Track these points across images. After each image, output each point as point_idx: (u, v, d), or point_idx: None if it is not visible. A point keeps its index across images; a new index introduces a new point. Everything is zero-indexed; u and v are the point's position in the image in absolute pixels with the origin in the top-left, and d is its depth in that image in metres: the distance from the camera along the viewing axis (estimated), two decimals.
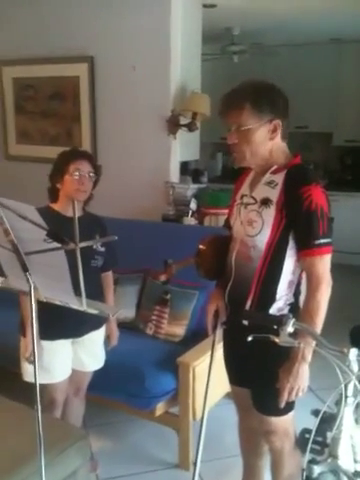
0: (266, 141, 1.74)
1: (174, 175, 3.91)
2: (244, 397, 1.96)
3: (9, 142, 4.45)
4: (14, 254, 1.41)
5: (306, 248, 1.70)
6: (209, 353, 2.08)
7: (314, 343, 1.54)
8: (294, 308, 1.80)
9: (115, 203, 3.79)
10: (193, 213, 3.62)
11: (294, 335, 1.47)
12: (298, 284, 1.82)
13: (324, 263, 1.70)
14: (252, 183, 1.85)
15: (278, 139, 1.76)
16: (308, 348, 1.66)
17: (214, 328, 1.99)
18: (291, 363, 1.71)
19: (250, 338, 1.52)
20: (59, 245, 1.32)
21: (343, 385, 1.42)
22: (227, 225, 2.01)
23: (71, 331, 2.21)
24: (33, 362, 1.53)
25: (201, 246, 1.96)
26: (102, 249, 2.24)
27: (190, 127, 3.75)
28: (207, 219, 3.57)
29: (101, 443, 2.76)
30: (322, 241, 1.67)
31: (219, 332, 2.02)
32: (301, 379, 1.71)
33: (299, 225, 1.69)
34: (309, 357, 1.70)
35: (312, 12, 4.49)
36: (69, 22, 3.97)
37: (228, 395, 2.71)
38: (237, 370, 2.00)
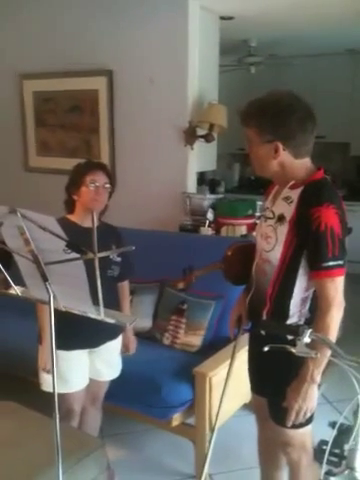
0: (270, 158, 1.73)
1: (191, 185, 3.94)
2: (263, 407, 1.95)
3: (29, 154, 4.52)
4: (34, 264, 1.43)
5: (315, 270, 1.67)
6: (226, 363, 2.09)
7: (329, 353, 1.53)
8: (310, 323, 1.76)
9: (133, 214, 3.83)
10: (210, 223, 3.63)
11: (310, 346, 1.47)
12: (314, 299, 1.78)
13: (335, 285, 1.65)
14: (274, 196, 1.84)
15: (286, 157, 1.72)
16: (318, 369, 1.66)
17: (236, 334, 2.01)
18: (299, 383, 1.69)
19: (266, 348, 1.52)
20: (78, 255, 1.34)
21: (359, 396, 1.41)
22: None
23: (88, 341, 2.23)
24: (51, 372, 1.54)
25: (227, 252, 2.00)
26: (118, 259, 2.26)
27: (207, 138, 3.78)
28: (224, 229, 3.57)
29: (118, 453, 2.76)
30: (331, 263, 1.62)
31: (244, 338, 2.02)
32: (309, 400, 1.70)
33: (309, 246, 1.67)
34: (318, 378, 1.68)
35: (327, 23, 4.50)
36: (88, 37, 4.04)
37: (245, 406, 2.71)
38: (257, 379, 2.01)
